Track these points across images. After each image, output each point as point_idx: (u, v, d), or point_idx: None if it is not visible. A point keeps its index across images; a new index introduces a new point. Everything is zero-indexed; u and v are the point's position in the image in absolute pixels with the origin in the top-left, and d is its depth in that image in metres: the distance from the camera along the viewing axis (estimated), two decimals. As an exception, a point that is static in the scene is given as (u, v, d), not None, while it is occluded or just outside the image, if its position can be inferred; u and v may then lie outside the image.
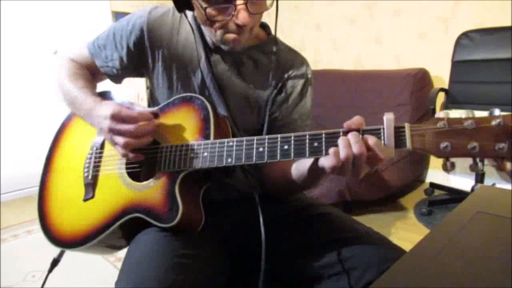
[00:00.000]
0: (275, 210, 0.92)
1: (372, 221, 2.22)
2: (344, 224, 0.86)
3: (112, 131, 0.79)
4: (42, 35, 2.87)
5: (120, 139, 0.78)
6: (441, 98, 2.58)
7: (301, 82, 0.93)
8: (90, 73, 1.00)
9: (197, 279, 0.73)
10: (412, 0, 2.79)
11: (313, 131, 0.69)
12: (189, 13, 0.88)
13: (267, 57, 0.92)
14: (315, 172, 0.74)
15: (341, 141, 0.64)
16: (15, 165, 2.78)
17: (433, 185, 2.62)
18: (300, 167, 0.80)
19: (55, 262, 0.97)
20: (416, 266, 0.58)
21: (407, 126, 0.63)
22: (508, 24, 2.30)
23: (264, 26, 0.96)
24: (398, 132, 0.63)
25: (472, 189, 2.32)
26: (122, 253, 0.86)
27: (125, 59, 0.94)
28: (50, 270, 0.98)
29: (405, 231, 2.16)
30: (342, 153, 0.63)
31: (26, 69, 2.81)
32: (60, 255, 0.98)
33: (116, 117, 0.78)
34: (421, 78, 2.70)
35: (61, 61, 0.99)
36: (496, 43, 2.33)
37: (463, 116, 0.60)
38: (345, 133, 0.66)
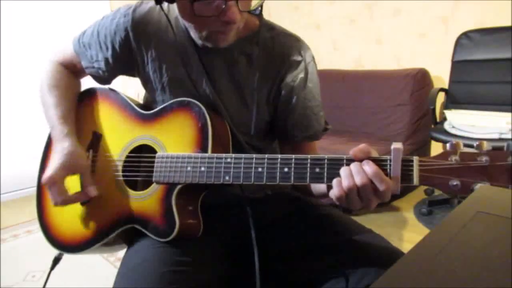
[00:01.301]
0: (274, 211, 0.91)
1: (372, 221, 2.22)
2: (344, 226, 0.85)
3: (49, 184, 0.80)
4: (42, 35, 2.87)
5: (52, 193, 0.81)
6: (441, 98, 2.58)
7: (300, 75, 0.85)
8: (76, 73, 0.97)
9: (194, 286, 0.71)
10: (412, 0, 2.79)
11: (315, 155, 0.66)
12: (171, 8, 0.84)
13: (260, 49, 0.85)
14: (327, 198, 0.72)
15: (343, 172, 0.62)
16: (15, 165, 2.78)
17: (433, 185, 2.62)
18: (316, 187, 0.81)
19: (56, 260, 0.97)
20: (416, 266, 0.58)
21: (415, 160, 0.59)
22: (508, 24, 2.30)
23: (257, 14, 0.88)
24: (406, 166, 0.60)
25: (472, 189, 2.32)
26: (122, 253, 0.85)
27: (110, 60, 0.89)
28: (52, 268, 0.97)
29: (405, 231, 2.15)
30: (345, 183, 0.62)
31: (26, 69, 2.80)
32: (61, 252, 0.98)
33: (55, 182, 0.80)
34: (421, 78, 2.70)
35: (45, 63, 0.97)
36: (496, 43, 2.33)
37: (477, 149, 0.56)
38: (349, 160, 0.63)
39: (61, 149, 0.84)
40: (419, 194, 2.65)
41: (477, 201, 0.82)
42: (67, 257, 0.98)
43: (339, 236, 0.82)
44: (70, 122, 0.89)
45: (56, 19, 2.93)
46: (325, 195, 0.74)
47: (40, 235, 0.90)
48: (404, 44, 2.91)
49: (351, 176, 0.61)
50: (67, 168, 0.82)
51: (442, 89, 2.50)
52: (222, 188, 0.86)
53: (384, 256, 0.76)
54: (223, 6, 0.70)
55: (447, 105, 2.51)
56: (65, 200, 0.81)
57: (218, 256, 0.82)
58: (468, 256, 0.61)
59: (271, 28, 0.88)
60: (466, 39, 2.45)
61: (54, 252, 0.94)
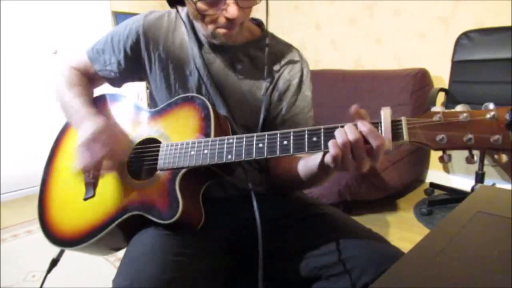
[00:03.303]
0: (274, 210, 0.92)
1: (372, 221, 2.22)
2: (343, 225, 0.86)
3: (87, 150, 0.82)
4: (42, 35, 2.87)
5: (93, 159, 0.81)
6: (441, 98, 2.58)
7: (297, 76, 0.94)
8: (89, 79, 1.02)
9: (194, 277, 0.73)
10: (412, 0, 2.79)
11: (312, 127, 0.70)
12: (183, 12, 0.92)
13: (262, 53, 0.93)
14: (323, 169, 0.75)
15: (337, 132, 0.66)
16: (15, 165, 2.78)
17: (433, 185, 2.62)
18: (309, 163, 0.81)
19: (54, 262, 0.97)
20: (416, 266, 0.58)
21: (403, 119, 0.64)
22: (508, 24, 2.30)
23: (259, 23, 0.99)
24: (395, 126, 0.64)
25: (472, 189, 2.32)
26: (122, 253, 0.86)
27: (122, 63, 0.96)
28: (49, 270, 0.98)
29: (405, 231, 2.15)
30: (339, 140, 0.65)
31: (26, 69, 2.80)
32: (60, 255, 0.98)
33: (97, 141, 0.82)
34: (421, 78, 2.70)
35: (60, 68, 1.01)
36: (496, 43, 2.33)
37: (459, 109, 0.61)
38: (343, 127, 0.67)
39: (91, 120, 0.86)
40: (419, 194, 2.65)
41: (476, 201, 0.82)
42: (67, 257, 0.98)
43: (338, 235, 0.83)
44: (93, 107, 0.93)
45: (57, 19, 2.93)
46: (320, 174, 0.77)
47: (40, 235, 0.90)
48: (404, 44, 2.91)
49: (345, 134, 0.65)
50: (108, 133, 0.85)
51: (442, 89, 2.50)
52: (224, 181, 0.89)
53: (383, 255, 0.76)
54: (223, 6, 0.79)
55: (447, 105, 2.51)
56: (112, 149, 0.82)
57: (219, 249, 0.84)
58: (468, 256, 0.61)
59: (274, 37, 0.99)
60: (466, 39, 2.45)
61: (54, 252, 0.94)
